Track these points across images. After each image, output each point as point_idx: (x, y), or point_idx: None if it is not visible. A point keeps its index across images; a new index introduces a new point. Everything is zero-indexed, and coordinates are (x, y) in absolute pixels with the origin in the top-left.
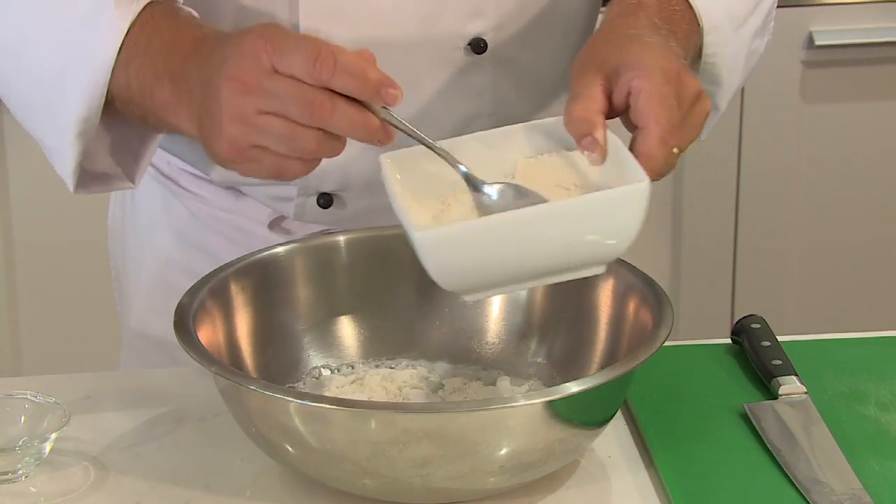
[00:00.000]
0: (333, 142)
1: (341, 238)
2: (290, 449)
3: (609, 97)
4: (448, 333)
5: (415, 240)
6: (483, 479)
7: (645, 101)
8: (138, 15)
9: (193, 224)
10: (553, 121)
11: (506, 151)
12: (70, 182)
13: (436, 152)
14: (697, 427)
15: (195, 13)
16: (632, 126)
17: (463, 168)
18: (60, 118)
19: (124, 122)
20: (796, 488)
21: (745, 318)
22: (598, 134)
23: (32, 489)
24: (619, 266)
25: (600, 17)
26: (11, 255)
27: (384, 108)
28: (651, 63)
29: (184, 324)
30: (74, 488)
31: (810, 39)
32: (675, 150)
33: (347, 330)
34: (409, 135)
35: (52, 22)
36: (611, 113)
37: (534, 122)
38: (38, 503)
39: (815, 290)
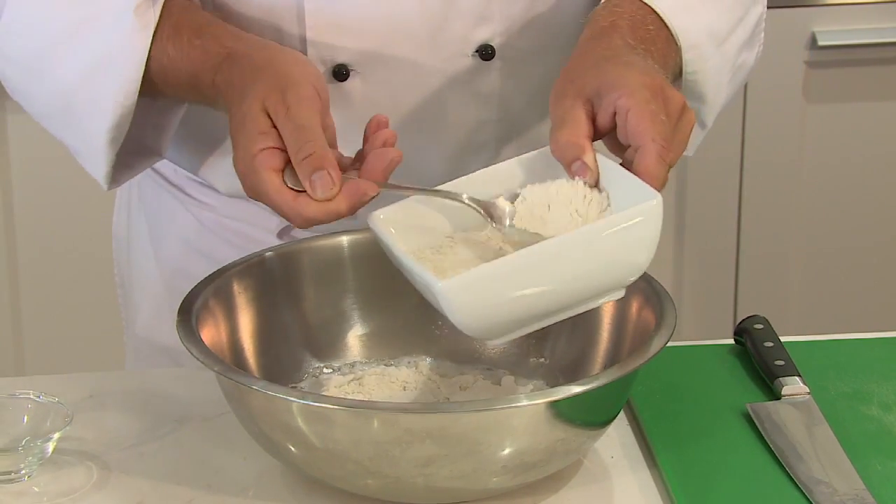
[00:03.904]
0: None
1: (344, 238)
2: (292, 449)
3: (592, 120)
4: (451, 333)
5: (437, 291)
6: (486, 479)
7: (636, 118)
8: (161, 17)
9: (201, 232)
10: (535, 154)
11: (494, 189)
12: (104, 183)
13: (442, 195)
14: (700, 427)
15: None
16: (618, 147)
17: (466, 199)
18: (91, 127)
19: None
20: (799, 489)
21: (747, 318)
22: (588, 158)
23: (35, 489)
24: None
25: None
26: (14, 255)
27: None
28: (633, 80)
29: (187, 324)
30: (77, 488)
31: (813, 40)
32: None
33: (350, 330)
34: (409, 190)
35: (77, 33)
36: (595, 136)
37: (516, 158)
38: (40, 503)
39: (817, 291)
